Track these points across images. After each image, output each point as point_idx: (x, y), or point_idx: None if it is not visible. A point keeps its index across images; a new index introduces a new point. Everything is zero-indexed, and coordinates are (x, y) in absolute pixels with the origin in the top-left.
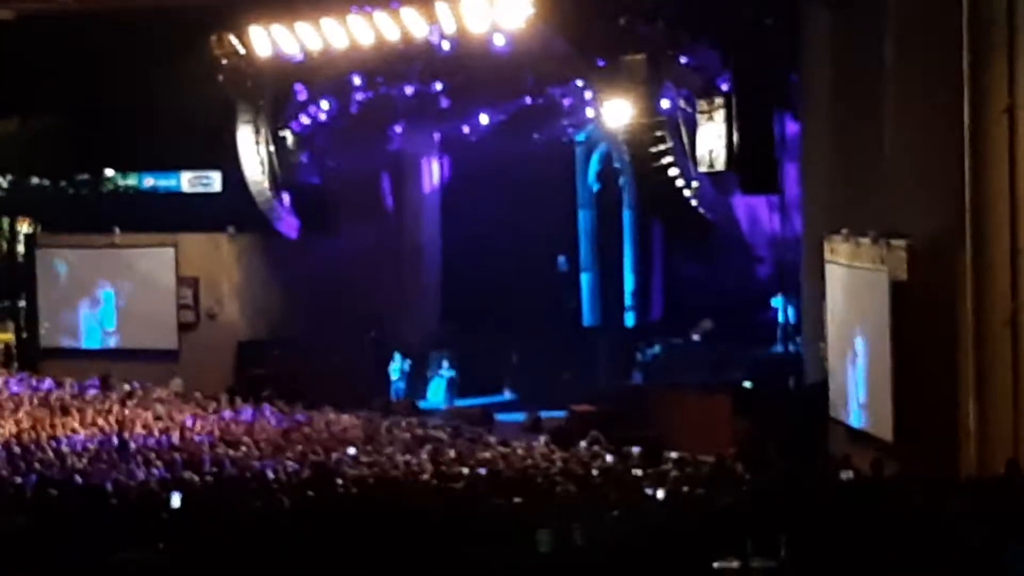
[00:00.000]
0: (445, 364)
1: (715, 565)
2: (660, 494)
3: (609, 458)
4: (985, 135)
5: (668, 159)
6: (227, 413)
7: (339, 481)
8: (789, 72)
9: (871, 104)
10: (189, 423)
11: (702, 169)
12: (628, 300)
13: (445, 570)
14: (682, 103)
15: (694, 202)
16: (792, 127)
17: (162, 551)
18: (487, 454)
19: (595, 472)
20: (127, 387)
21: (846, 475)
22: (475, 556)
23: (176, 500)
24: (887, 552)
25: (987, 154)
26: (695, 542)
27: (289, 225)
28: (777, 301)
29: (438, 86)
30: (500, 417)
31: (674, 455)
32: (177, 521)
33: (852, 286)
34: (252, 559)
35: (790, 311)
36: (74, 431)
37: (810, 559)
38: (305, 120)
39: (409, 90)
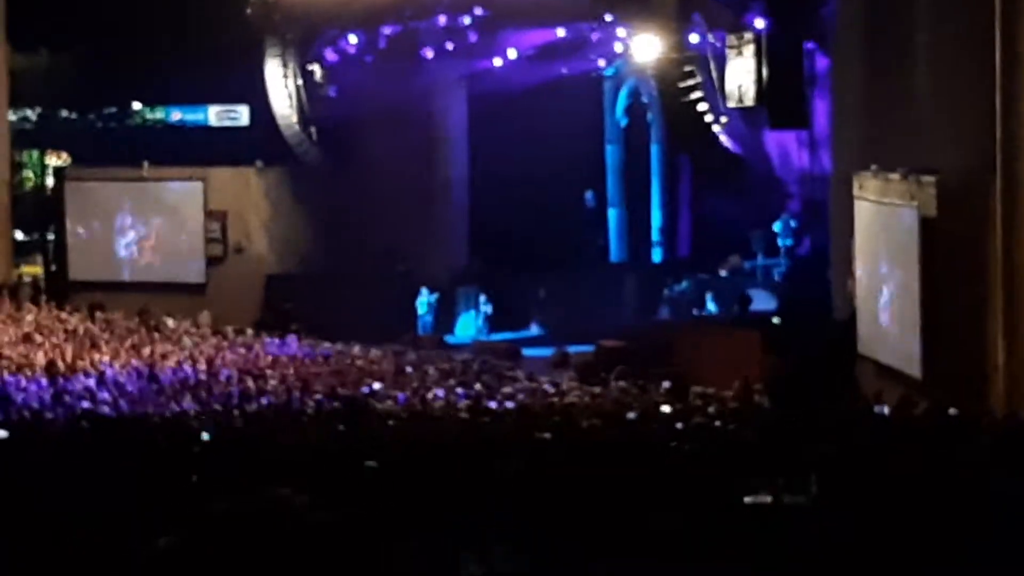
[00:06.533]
0: (483, 299)
1: (746, 500)
2: (688, 429)
3: (636, 393)
4: (1016, 72)
5: (697, 94)
6: (255, 347)
7: (368, 415)
8: (820, 6)
9: (902, 39)
10: (217, 357)
11: (731, 104)
12: (656, 236)
13: (473, 505)
14: (711, 38)
15: (723, 137)
16: (822, 62)
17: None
18: (514, 388)
19: (623, 407)
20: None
21: (879, 410)
22: (503, 490)
23: (206, 435)
24: (919, 489)
25: (1018, 90)
26: (724, 478)
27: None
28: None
29: (466, 20)
30: (527, 352)
31: (701, 390)
32: (208, 455)
33: (881, 222)
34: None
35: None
36: (104, 364)
37: (842, 495)
38: (333, 54)
39: (438, 23)
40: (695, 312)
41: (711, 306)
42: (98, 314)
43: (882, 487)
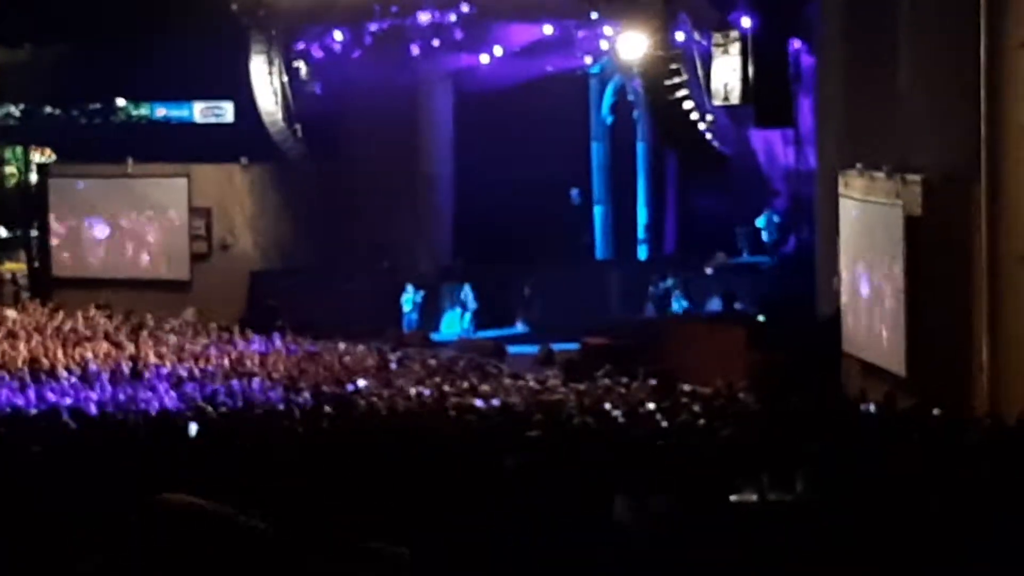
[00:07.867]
0: (470, 296)
1: (732, 498)
2: (674, 427)
3: (622, 391)
4: (1001, 70)
5: (683, 92)
6: (240, 343)
7: (352, 412)
8: (805, 5)
9: (887, 38)
10: (202, 354)
11: (717, 102)
12: (641, 233)
13: (460, 502)
14: (697, 36)
15: (709, 135)
16: (807, 61)
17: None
18: (496, 386)
19: (608, 405)
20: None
21: (865, 408)
22: (490, 487)
23: (193, 430)
24: (903, 485)
25: (1003, 89)
26: (710, 475)
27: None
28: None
29: (452, 16)
30: (512, 349)
31: (687, 388)
32: (194, 451)
33: (866, 220)
34: (266, 489)
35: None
36: (87, 361)
37: (827, 493)
38: (318, 50)
39: (424, 19)
40: (667, 309)
41: (677, 304)
42: (91, 311)
43: (871, 485)
